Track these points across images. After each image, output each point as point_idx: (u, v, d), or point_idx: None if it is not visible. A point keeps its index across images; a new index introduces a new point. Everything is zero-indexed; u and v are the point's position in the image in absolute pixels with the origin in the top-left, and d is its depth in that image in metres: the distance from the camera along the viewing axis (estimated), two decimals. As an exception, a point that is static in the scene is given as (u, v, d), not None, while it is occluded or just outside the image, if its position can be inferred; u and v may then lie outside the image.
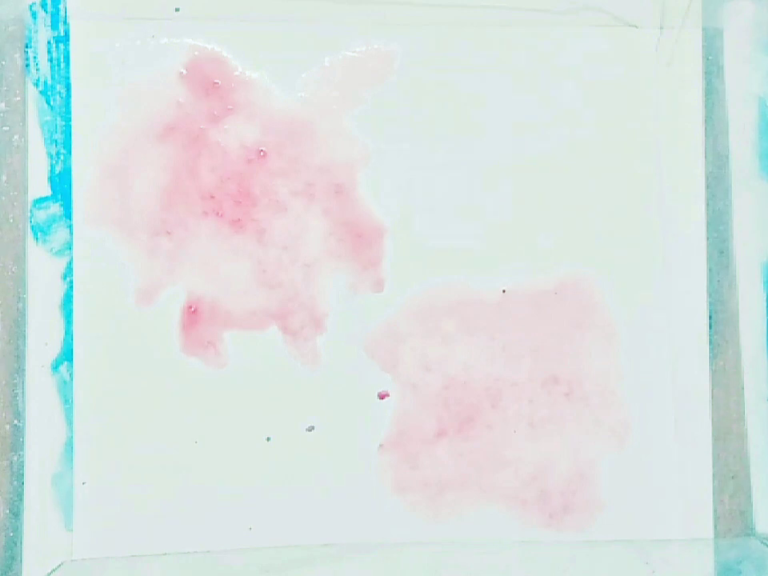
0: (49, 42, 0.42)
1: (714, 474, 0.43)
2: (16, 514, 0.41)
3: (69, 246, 0.41)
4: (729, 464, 0.43)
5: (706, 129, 0.44)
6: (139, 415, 0.41)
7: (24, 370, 0.41)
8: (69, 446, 0.41)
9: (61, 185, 0.42)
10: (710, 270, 0.44)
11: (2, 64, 0.41)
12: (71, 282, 0.41)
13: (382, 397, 0.42)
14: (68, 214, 0.41)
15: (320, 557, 0.42)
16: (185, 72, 0.42)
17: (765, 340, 0.44)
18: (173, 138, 0.42)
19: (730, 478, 0.43)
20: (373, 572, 0.42)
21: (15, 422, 0.41)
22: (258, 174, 0.42)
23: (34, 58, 0.42)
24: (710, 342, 0.44)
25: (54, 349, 0.41)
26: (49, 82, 0.42)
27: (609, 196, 0.44)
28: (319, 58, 0.43)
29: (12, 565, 0.40)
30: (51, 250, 0.41)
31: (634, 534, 0.43)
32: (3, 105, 0.41)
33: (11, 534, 0.41)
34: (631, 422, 0.43)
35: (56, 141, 0.42)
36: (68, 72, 0.42)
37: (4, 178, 0.41)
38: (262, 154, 0.41)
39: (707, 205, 0.44)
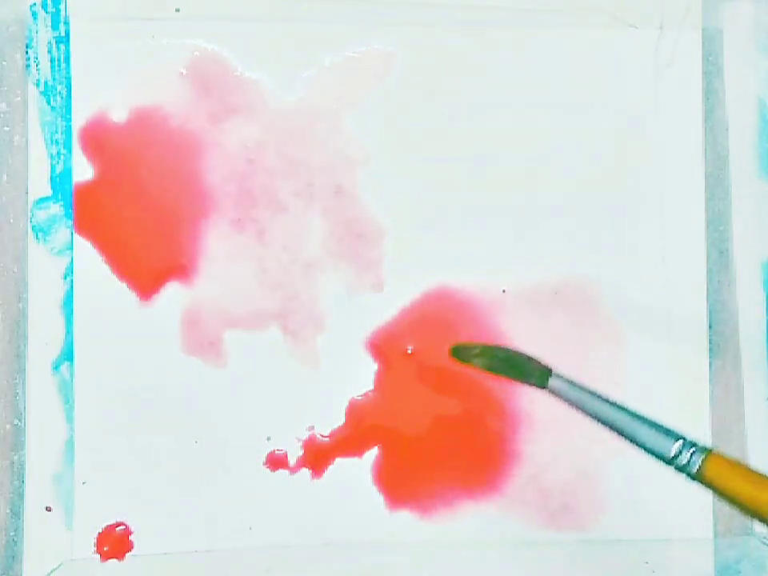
0: (49, 43, 0.42)
1: (713, 474, 0.43)
2: (16, 513, 0.41)
3: (69, 245, 0.41)
4: (728, 464, 0.43)
5: (705, 129, 0.44)
6: (139, 415, 0.41)
7: (25, 369, 0.41)
8: (69, 445, 0.41)
9: (61, 185, 0.42)
10: (709, 270, 0.44)
11: (2, 64, 0.42)
12: (71, 281, 0.41)
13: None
14: (68, 213, 0.41)
15: (320, 557, 0.42)
16: (185, 72, 0.42)
17: (765, 340, 0.44)
18: (173, 138, 0.42)
19: (730, 478, 0.43)
20: (373, 572, 0.42)
21: (16, 421, 0.41)
22: (258, 174, 0.42)
23: (35, 58, 0.42)
24: (710, 342, 0.44)
25: (55, 349, 0.41)
26: (49, 82, 0.42)
27: (609, 196, 0.44)
28: (319, 57, 0.43)
29: (12, 564, 0.40)
30: (51, 249, 0.42)
31: (634, 534, 0.43)
32: (4, 105, 0.41)
33: (11, 534, 0.41)
34: (631, 421, 0.43)
35: (56, 141, 0.42)
36: (68, 72, 0.42)
37: (5, 178, 0.41)
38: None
39: (707, 205, 0.44)
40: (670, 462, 0.32)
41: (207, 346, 0.42)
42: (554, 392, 0.35)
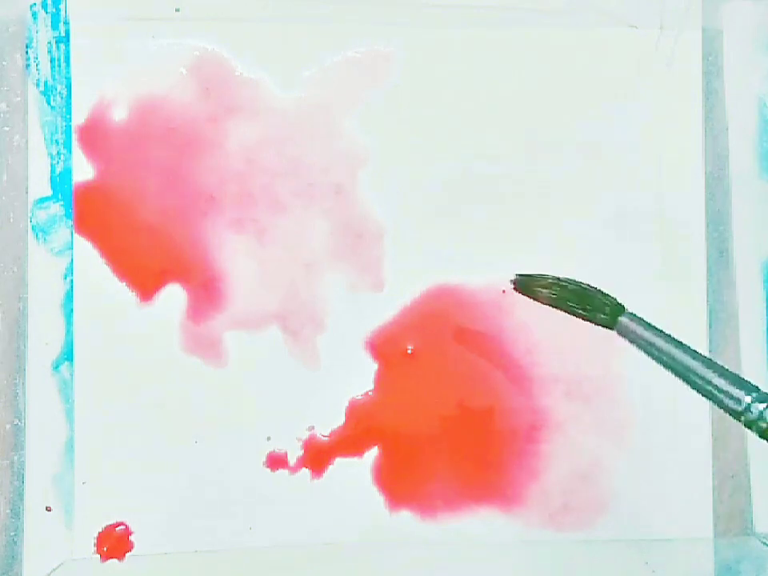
0: (49, 43, 0.42)
1: (713, 474, 0.43)
2: (16, 513, 0.41)
3: (69, 245, 0.41)
4: (728, 464, 0.43)
5: (705, 129, 0.44)
6: (139, 415, 0.41)
7: (25, 369, 0.41)
8: (69, 445, 0.41)
9: (61, 185, 0.42)
10: (709, 269, 0.44)
11: (2, 64, 0.42)
12: (71, 281, 0.41)
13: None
14: (68, 213, 0.41)
15: (320, 557, 0.42)
16: (185, 72, 0.42)
17: (765, 340, 0.44)
18: (173, 138, 0.42)
19: (730, 478, 0.43)
20: (373, 572, 0.42)
21: (16, 421, 0.41)
22: (257, 174, 0.42)
23: (35, 58, 0.42)
24: (710, 342, 0.44)
25: (55, 348, 0.41)
26: (49, 82, 0.42)
27: (609, 196, 0.44)
28: (319, 57, 0.43)
29: (12, 565, 0.40)
30: (51, 249, 0.42)
31: (634, 534, 0.43)
32: (4, 105, 0.41)
33: (11, 534, 0.41)
34: (631, 421, 0.43)
35: (56, 141, 0.42)
36: (68, 72, 0.42)
37: (4, 177, 0.41)
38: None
39: (707, 205, 0.44)
40: (738, 415, 0.30)
41: (207, 345, 0.42)
42: (624, 331, 0.33)
